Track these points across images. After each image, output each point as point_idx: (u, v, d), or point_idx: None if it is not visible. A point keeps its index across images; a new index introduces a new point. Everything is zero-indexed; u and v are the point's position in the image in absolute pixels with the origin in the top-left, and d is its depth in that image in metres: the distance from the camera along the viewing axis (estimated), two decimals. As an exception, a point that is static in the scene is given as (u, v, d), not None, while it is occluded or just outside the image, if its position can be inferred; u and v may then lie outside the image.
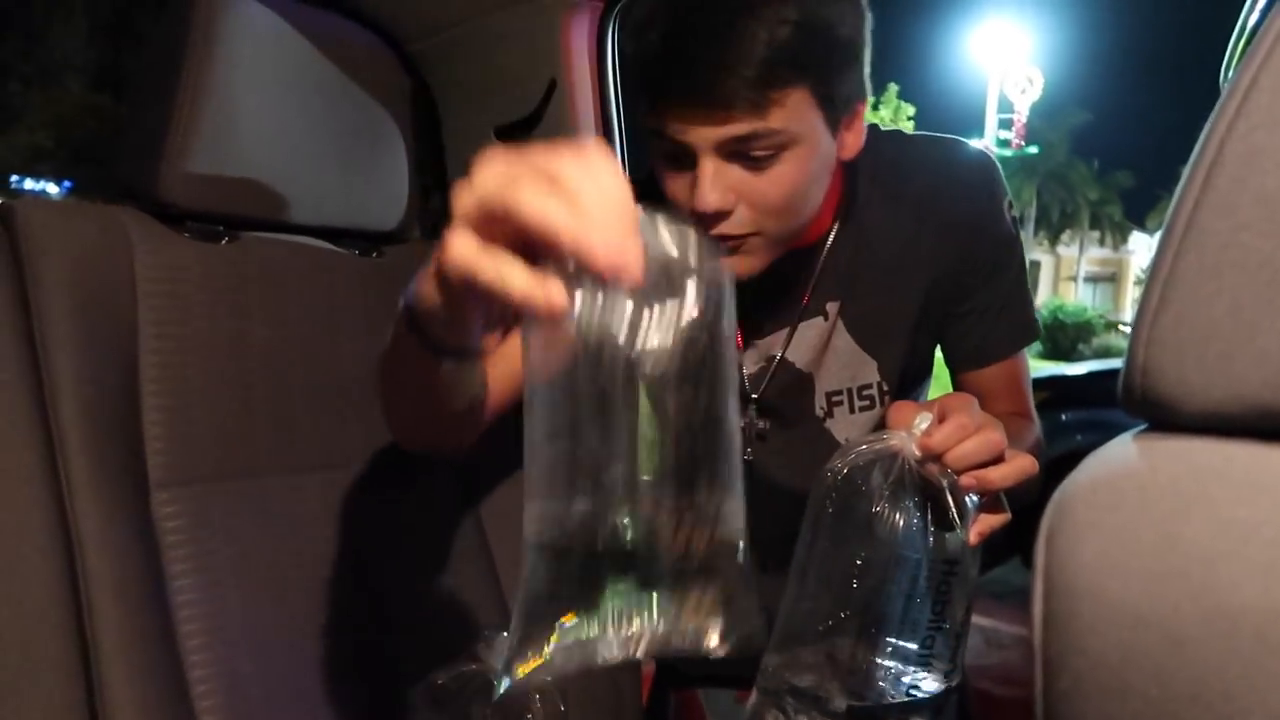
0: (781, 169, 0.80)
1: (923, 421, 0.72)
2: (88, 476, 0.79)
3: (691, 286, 0.46)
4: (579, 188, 0.45)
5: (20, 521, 0.75)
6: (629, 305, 0.45)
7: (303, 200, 1.01)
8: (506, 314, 0.55)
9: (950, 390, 0.99)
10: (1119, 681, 0.33)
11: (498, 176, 0.46)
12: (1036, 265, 32.83)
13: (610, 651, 0.45)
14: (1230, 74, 0.40)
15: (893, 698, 0.74)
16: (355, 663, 0.97)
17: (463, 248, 0.47)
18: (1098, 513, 0.35)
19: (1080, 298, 32.14)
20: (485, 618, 1.07)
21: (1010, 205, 0.95)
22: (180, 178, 0.89)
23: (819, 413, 1.00)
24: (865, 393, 0.98)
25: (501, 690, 0.48)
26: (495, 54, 1.30)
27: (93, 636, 0.76)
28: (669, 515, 0.45)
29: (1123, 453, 0.36)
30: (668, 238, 0.47)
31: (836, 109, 0.82)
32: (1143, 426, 0.37)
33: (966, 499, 0.71)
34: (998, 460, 0.71)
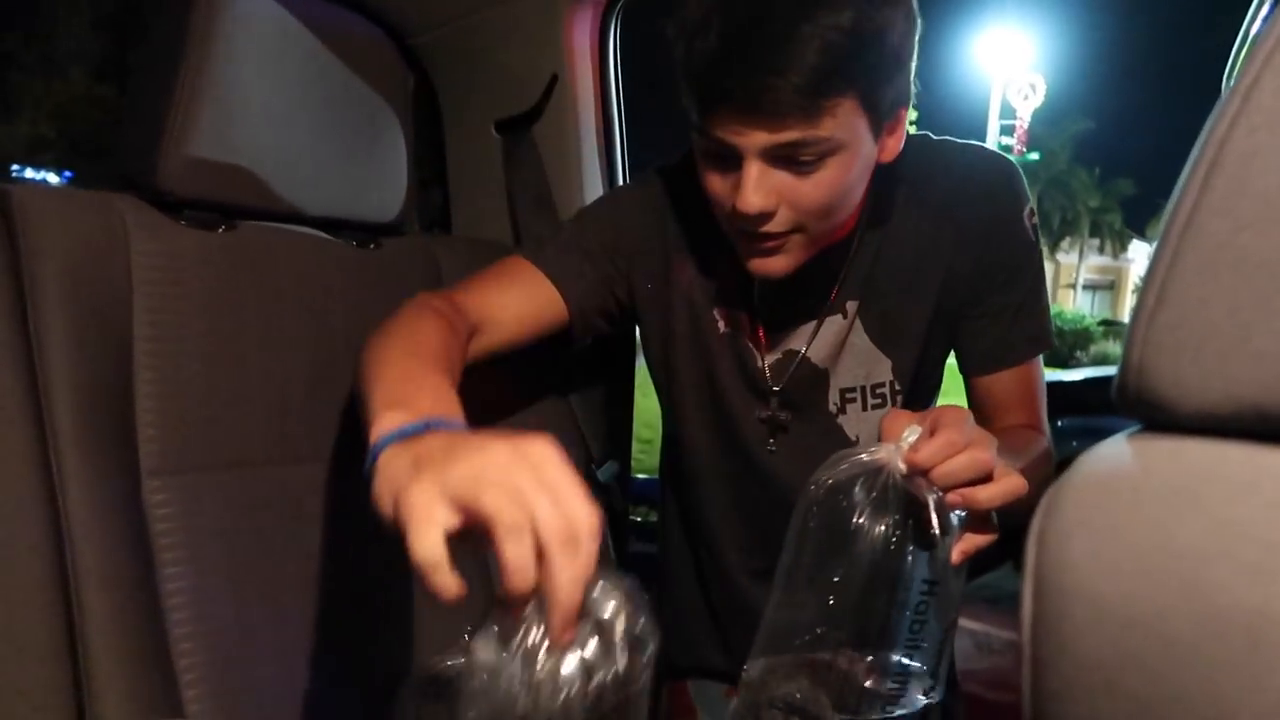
0: (825, 173, 0.81)
1: (911, 434, 0.71)
2: (79, 463, 0.79)
3: (617, 644, 0.54)
4: (549, 534, 0.52)
5: (10, 507, 0.75)
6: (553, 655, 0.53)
7: (301, 191, 1.00)
8: None
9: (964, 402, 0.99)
10: (1108, 681, 0.33)
11: (489, 476, 0.53)
12: (1036, 272, 32.68)
13: None
14: (1232, 82, 0.39)
15: (871, 712, 0.73)
16: (345, 653, 0.97)
17: (417, 515, 0.54)
18: (1089, 512, 0.35)
19: (1079, 305, 32.19)
20: (475, 608, 1.07)
21: (1032, 214, 0.95)
22: (178, 166, 0.89)
23: (832, 409, 1.00)
24: (878, 391, 0.99)
25: None
26: (497, 48, 1.30)
27: (80, 624, 0.76)
28: None
29: (1116, 452, 0.36)
30: (606, 597, 0.55)
31: (882, 115, 0.83)
32: (1136, 427, 0.37)
33: (952, 516, 0.71)
34: (986, 479, 0.70)
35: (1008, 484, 0.70)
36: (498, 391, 1.12)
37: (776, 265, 0.89)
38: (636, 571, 1.45)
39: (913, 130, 0.98)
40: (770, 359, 1.00)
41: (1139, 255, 34.37)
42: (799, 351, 0.99)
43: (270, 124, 0.97)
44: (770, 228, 0.84)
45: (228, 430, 0.92)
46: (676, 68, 0.82)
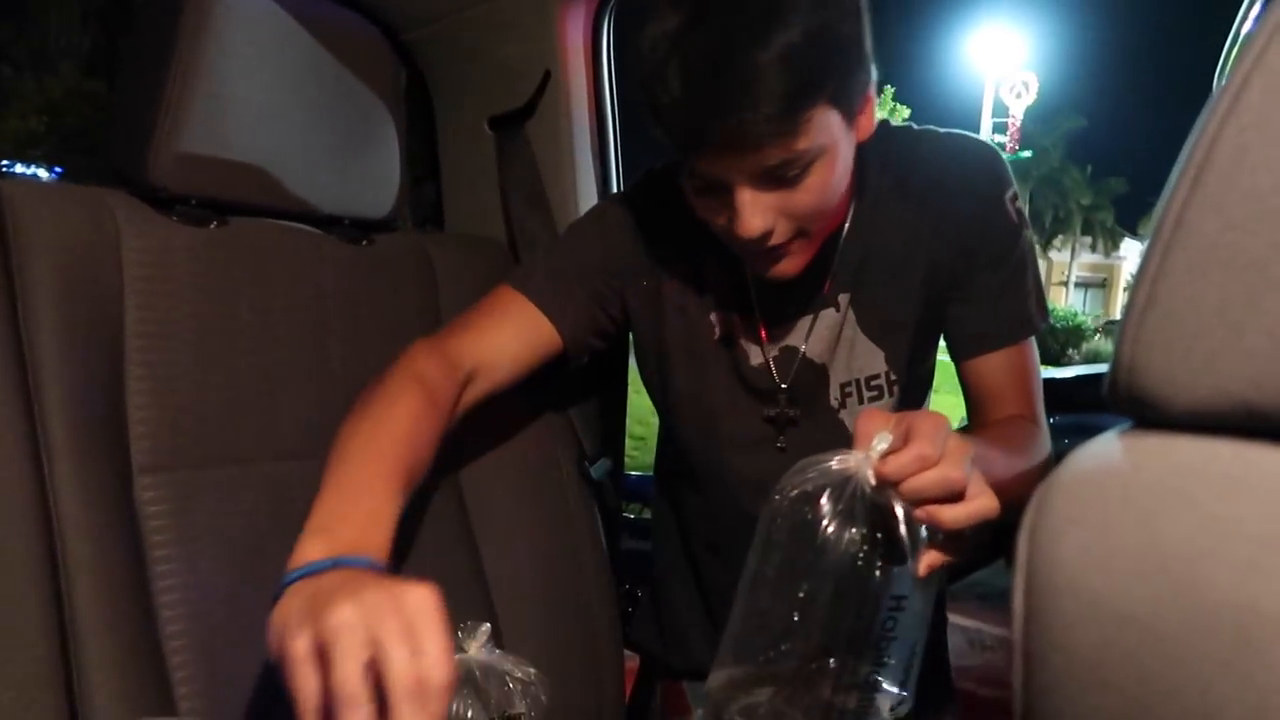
0: (814, 179, 0.82)
1: (881, 442, 0.67)
2: (70, 460, 0.78)
3: None
4: (397, 686, 0.56)
5: (0, 504, 0.75)
6: None
7: (293, 186, 1.00)
8: None
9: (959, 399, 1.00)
10: (1098, 677, 0.33)
11: (353, 631, 0.58)
12: (1028, 270, 32.75)
13: None
14: (1223, 82, 0.40)
15: None
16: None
17: (291, 648, 0.60)
18: (1079, 508, 0.35)
19: (1071, 303, 32.26)
20: (468, 606, 1.07)
21: (1015, 198, 0.96)
22: (169, 161, 0.89)
23: (834, 403, 1.00)
24: (874, 383, 0.99)
25: None
26: (490, 45, 1.30)
27: (71, 622, 0.76)
28: None
29: (1106, 449, 0.36)
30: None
31: (853, 104, 0.83)
32: (1128, 424, 0.37)
33: (922, 529, 0.68)
34: (958, 497, 0.67)
35: (976, 506, 0.67)
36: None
37: (789, 267, 0.90)
38: (629, 569, 1.45)
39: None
40: (773, 356, 1.00)
41: (1131, 253, 34.47)
42: (798, 348, 0.99)
43: (262, 119, 0.96)
44: (773, 241, 0.85)
45: (220, 427, 0.92)
46: (646, 110, 0.82)
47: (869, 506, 0.68)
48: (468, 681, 0.80)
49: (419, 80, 1.40)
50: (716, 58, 0.75)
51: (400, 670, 0.57)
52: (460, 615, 0.88)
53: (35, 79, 16.28)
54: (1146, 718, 0.32)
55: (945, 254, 0.95)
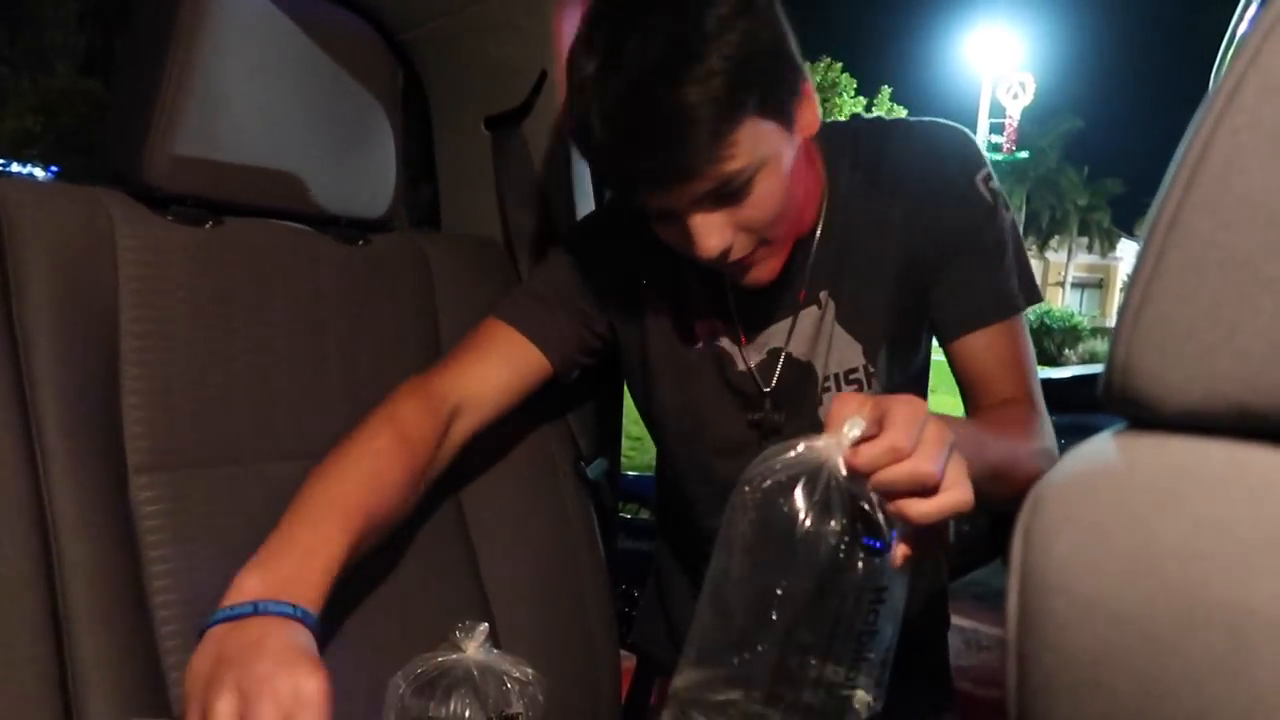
0: (759, 191, 0.81)
1: (853, 429, 0.63)
2: (65, 459, 0.78)
3: None
4: None
5: None
6: None
7: (289, 186, 1.00)
8: None
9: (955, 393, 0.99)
10: (1092, 677, 0.33)
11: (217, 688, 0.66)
12: (1025, 270, 32.78)
13: None
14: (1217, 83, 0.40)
15: None
16: (333, 650, 0.96)
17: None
18: (1074, 509, 0.35)
19: (1067, 303, 32.31)
20: (465, 605, 1.07)
21: (988, 178, 0.94)
22: (165, 161, 0.89)
23: (817, 402, 1.00)
24: (852, 376, 0.98)
25: None
26: (486, 44, 1.30)
27: (67, 620, 0.76)
28: None
29: (1100, 450, 0.36)
30: None
31: (786, 108, 0.82)
32: (1122, 424, 0.37)
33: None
34: (928, 492, 0.63)
35: (947, 499, 0.63)
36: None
37: (762, 274, 0.90)
38: (626, 569, 1.45)
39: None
40: (755, 360, 1.00)
41: (1127, 254, 34.52)
42: (781, 349, 0.99)
43: (258, 119, 0.96)
44: (735, 255, 0.85)
45: (215, 427, 0.92)
46: (580, 151, 0.83)
47: (845, 496, 0.64)
48: (465, 681, 0.79)
49: (415, 80, 1.39)
50: (634, 100, 0.75)
51: None
52: (457, 615, 0.88)
53: (31, 78, 16.26)
54: (1140, 718, 0.32)
55: (920, 242, 0.94)
